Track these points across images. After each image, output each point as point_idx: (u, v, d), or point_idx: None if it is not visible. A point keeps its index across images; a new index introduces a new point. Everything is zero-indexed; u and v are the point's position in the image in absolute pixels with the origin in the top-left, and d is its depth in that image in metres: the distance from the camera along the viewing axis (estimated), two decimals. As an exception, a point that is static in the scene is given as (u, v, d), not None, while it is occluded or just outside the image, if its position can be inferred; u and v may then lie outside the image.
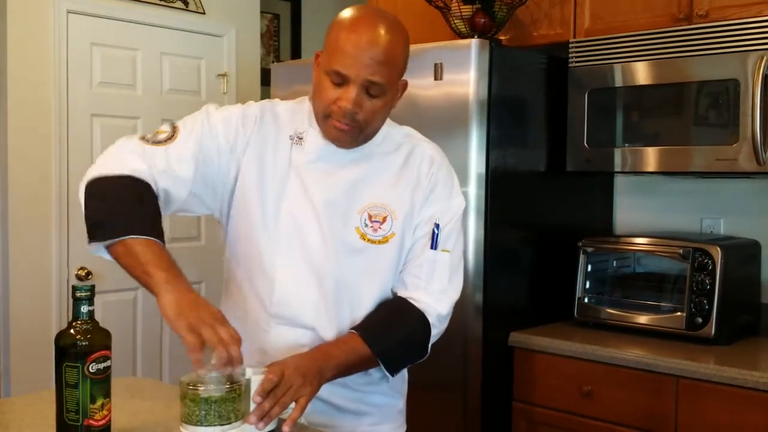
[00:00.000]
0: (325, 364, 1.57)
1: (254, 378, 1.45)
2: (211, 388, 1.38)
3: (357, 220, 1.69)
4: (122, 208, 1.56)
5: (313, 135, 1.71)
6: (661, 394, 2.44)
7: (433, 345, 1.75)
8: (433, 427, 2.69)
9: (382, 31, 1.59)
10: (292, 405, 1.47)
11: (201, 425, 1.38)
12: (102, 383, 1.41)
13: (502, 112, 2.71)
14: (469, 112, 2.62)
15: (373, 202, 1.70)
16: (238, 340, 1.40)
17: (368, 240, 1.69)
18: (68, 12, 3.67)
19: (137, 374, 3.93)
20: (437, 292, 1.72)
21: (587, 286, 2.88)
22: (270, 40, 4.97)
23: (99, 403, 1.41)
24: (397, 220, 1.71)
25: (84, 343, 1.40)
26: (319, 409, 1.67)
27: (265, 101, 1.82)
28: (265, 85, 4.34)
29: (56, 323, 3.63)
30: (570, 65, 2.87)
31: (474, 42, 2.62)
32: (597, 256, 2.90)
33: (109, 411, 1.44)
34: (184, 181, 1.66)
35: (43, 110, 3.61)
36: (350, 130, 1.63)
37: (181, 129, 1.69)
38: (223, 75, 4.26)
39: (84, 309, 1.42)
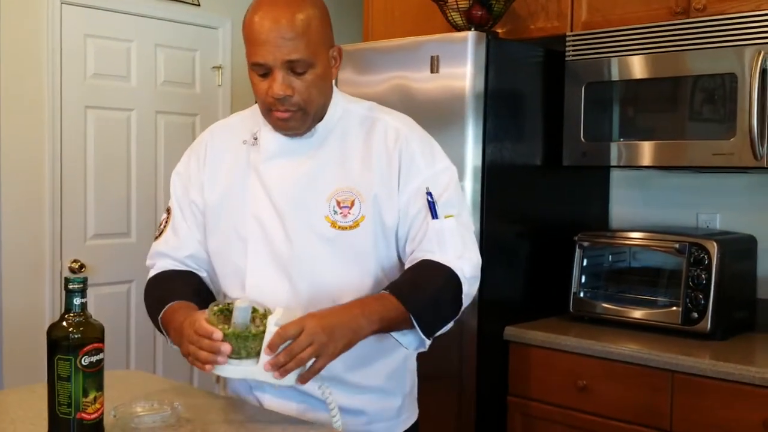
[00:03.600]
0: (365, 318, 1.51)
1: (270, 328, 1.43)
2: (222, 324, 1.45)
3: (326, 209, 1.64)
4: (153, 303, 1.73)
5: (266, 132, 1.69)
6: (657, 389, 2.43)
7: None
8: (427, 422, 2.67)
9: (282, 8, 1.56)
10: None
11: None
12: (95, 376, 1.40)
13: (499, 106, 2.69)
14: (465, 105, 2.60)
15: (339, 187, 1.65)
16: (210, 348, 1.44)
17: (339, 227, 1.64)
18: (62, 3, 3.64)
19: (131, 367, 3.92)
20: (455, 258, 1.63)
21: (583, 280, 2.87)
22: (265, 33, 4.93)
23: (92, 396, 1.39)
24: (365, 202, 1.64)
25: (76, 336, 1.38)
26: (313, 406, 1.66)
27: (214, 123, 1.87)
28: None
29: (49, 316, 3.62)
30: (567, 59, 2.85)
31: (471, 35, 2.61)
32: (593, 250, 2.89)
33: (102, 404, 1.42)
34: (187, 243, 1.78)
35: (36, 102, 3.59)
36: (293, 115, 1.60)
37: (172, 209, 1.81)
38: (218, 67, 4.24)
39: (77, 301, 1.40)
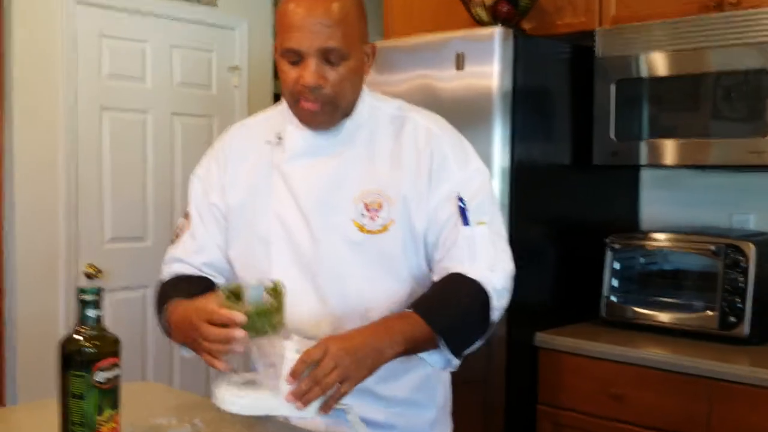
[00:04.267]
0: (389, 339, 1.40)
1: (292, 356, 1.33)
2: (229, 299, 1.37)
3: (352, 211, 1.56)
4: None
5: (291, 131, 1.61)
6: (694, 397, 2.34)
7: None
8: (454, 429, 2.59)
9: None
10: None
11: None
12: (110, 393, 1.32)
13: (527, 104, 2.60)
14: (492, 104, 2.51)
15: (367, 189, 1.57)
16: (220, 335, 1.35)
17: (367, 231, 1.55)
18: (77, 2, 3.58)
19: (147, 377, 3.85)
20: (486, 268, 1.54)
21: (614, 284, 2.77)
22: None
23: (107, 414, 1.31)
24: (394, 205, 1.56)
25: (90, 350, 1.30)
26: (342, 419, 1.57)
27: (235, 124, 1.79)
28: (278, 79, 4.25)
29: (63, 321, 3.56)
30: (596, 55, 2.76)
31: (497, 30, 2.52)
32: (624, 252, 2.79)
33: (118, 423, 1.34)
34: (205, 249, 1.70)
35: (51, 103, 3.53)
36: (322, 108, 1.52)
37: (190, 213, 1.73)
38: (235, 68, 4.17)
39: (91, 313, 1.32)
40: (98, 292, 1.33)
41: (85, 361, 1.30)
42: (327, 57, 1.49)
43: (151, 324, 3.85)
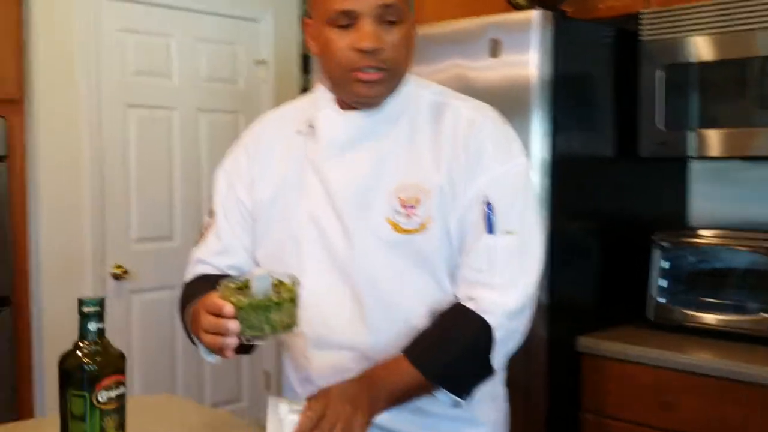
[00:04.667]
0: (376, 393, 1.31)
1: (289, 417, 1.22)
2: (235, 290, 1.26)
3: (386, 208, 1.42)
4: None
5: (324, 117, 1.48)
6: (749, 405, 2.18)
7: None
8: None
9: None
10: None
11: None
12: (114, 414, 1.20)
13: (567, 93, 2.44)
14: (530, 93, 2.36)
15: (402, 182, 1.42)
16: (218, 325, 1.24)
17: (402, 230, 1.41)
18: (98, -3, 3.49)
19: (176, 388, 3.75)
20: (503, 285, 1.40)
21: (661, 284, 2.61)
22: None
23: (111, 438, 1.19)
24: (432, 201, 1.41)
25: (92, 367, 1.18)
26: None
27: (265, 113, 1.66)
28: (307, 73, 4.13)
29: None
30: (641, 39, 2.59)
31: (536, 14, 2.36)
32: (673, 251, 2.63)
33: (124, 447, 1.22)
34: (231, 250, 1.57)
35: (74, 101, 3.44)
36: (382, 77, 1.38)
37: (215, 210, 1.60)
38: (262, 62, 4.05)
39: (92, 327, 1.20)
40: (100, 303, 1.21)
41: (86, 379, 1.18)
42: (383, 16, 1.35)
43: (179, 326, 3.75)
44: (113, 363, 1.21)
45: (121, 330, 3.51)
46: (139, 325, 3.66)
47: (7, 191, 3.22)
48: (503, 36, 2.41)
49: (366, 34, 1.34)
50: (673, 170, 2.93)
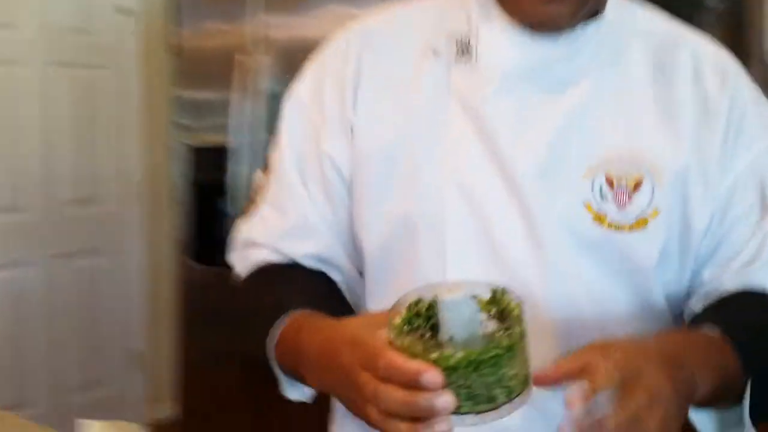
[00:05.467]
0: (705, 367, 0.83)
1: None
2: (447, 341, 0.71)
3: (585, 189, 0.94)
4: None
5: (492, 36, 0.97)
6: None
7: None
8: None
9: None
10: None
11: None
12: None
13: None
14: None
15: (613, 154, 0.95)
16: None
17: (609, 225, 0.94)
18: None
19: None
20: None
21: None
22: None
23: None
24: (663, 185, 0.95)
25: None
26: None
27: (369, 16, 1.09)
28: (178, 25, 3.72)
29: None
30: None
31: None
32: None
33: None
34: (309, 229, 1.05)
35: None
36: None
37: (280, 169, 1.08)
38: (126, 11, 3.58)
39: None
40: None
41: None
42: None
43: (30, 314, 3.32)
44: None
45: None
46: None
47: None
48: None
49: None
50: None
